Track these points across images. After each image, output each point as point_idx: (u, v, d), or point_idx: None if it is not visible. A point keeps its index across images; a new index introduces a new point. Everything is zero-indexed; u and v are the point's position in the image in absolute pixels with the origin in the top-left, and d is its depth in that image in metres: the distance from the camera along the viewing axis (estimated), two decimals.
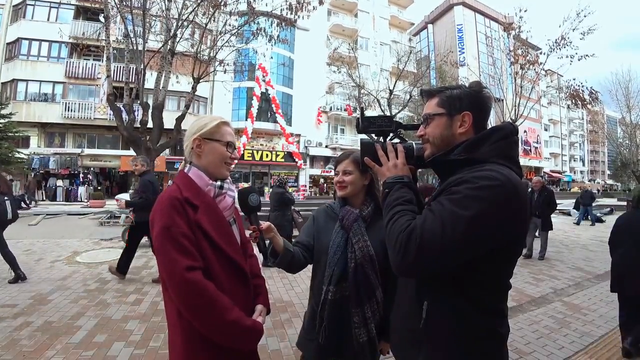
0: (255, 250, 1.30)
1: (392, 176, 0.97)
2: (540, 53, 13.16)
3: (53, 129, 18.30)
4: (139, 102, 8.63)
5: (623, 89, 24.01)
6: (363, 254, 1.26)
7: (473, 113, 0.92)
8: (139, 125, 8.54)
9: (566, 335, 3.06)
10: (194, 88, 9.09)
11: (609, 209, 15.99)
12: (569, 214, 14.44)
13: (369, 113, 1.16)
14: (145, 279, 4.43)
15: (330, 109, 25.14)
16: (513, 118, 12.70)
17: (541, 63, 12.92)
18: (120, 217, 9.61)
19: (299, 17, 8.83)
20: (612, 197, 28.12)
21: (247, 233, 1.25)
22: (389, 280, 1.29)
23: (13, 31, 18.16)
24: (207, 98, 21.10)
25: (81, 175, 17.98)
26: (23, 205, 13.07)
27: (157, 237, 0.97)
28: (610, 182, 49.56)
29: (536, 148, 36.76)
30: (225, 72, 9.73)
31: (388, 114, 13.78)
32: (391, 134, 1.10)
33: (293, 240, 1.61)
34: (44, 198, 17.07)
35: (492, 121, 1.07)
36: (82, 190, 17.61)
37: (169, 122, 10.24)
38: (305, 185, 23.93)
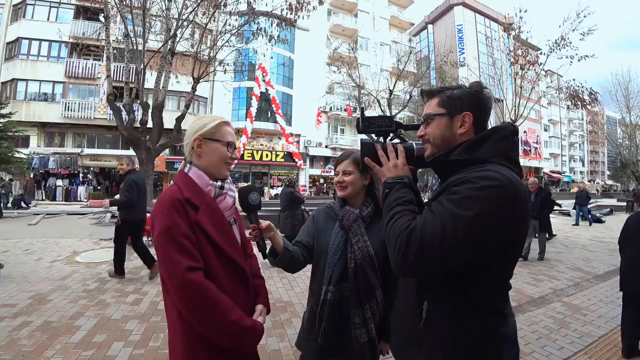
0: (255, 250, 1.30)
1: (392, 176, 0.97)
2: (540, 53, 13.18)
3: (53, 129, 18.30)
4: (138, 102, 8.63)
5: (623, 89, 24.01)
6: (363, 254, 1.26)
7: (473, 113, 0.92)
8: (139, 125, 8.54)
9: (566, 335, 3.06)
10: (193, 88, 9.10)
11: (608, 209, 16.01)
12: (568, 215, 14.45)
13: (369, 113, 1.16)
14: (145, 278, 4.43)
15: (330, 109, 25.15)
16: (513, 118, 12.73)
17: (541, 63, 12.94)
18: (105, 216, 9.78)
19: (298, 17, 8.84)
20: (612, 198, 28.12)
21: (247, 232, 1.25)
22: (389, 280, 1.29)
23: (13, 31, 18.16)
24: (207, 98, 21.11)
25: (81, 175, 17.98)
26: (23, 205, 13.14)
27: (158, 237, 0.97)
28: (610, 182, 49.57)
29: (536, 148, 36.80)
30: (225, 72, 9.74)
31: (388, 114, 13.78)
32: (391, 134, 1.10)
33: None
34: (44, 198, 17.06)
35: (492, 121, 1.07)
36: (81, 190, 17.62)
37: (168, 122, 10.25)
38: (305, 186, 23.95)
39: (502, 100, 15.06)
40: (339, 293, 1.28)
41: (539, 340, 2.94)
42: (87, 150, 18.31)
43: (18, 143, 15.96)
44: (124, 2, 8.62)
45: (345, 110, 24.88)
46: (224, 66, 9.62)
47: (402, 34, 30.07)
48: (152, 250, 5.83)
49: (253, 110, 21.61)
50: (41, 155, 17.20)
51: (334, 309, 1.27)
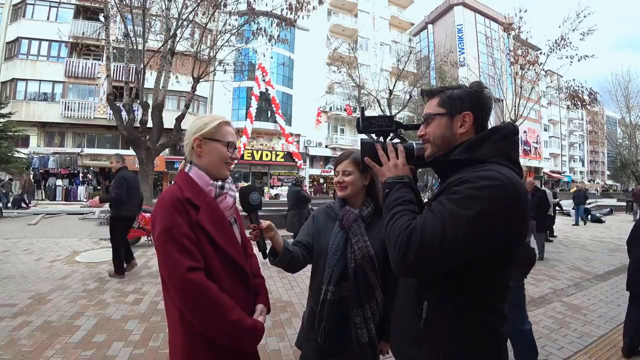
0: (255, 250, 1.30)
1: (392, 176, 0.97)
2: (540, 53, 13.18)
3: (52, 129, 18.29)
4: (138, 101, 8.63)
5: (623, 89, 24.07)
6: (363, 254, 1.26)
7: (474, 113, 0.92)
8: (139, 125, 8.54)
9: (565, 335, 3.06)
10: (193, 88, 9.10)
11: (608, 209, 16.02)
12: (568, 215, 14.45)
13: (369, 113, 1.16)
14: (145, 278, 4.43)
15: (330, 109, 25.15)
16: (513, 118, 12.72)
17: (541, 63, 12.94)
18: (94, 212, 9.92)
19: (298, 16, 8.84)
20: (612, 198, 28.12)
21: (247, 232, 1.25)
22: (389, 280, 1.29)
23: (13, 30, 18.15)
24: (206, 98, 21.11)
25: (81, 174, 17.97)
26: (23, 205, 13.14)
27: (158, 237, 0.97)
28: (610, 182, 49.59)
29: (536, 148, 36.80)
30: (225, 72, 9.74)
31: (388, 114, 13.78)
32: (391, 134, 1.10)
33: None
34: (44, 197, 17.06)
35: (492, 121, 1.07)
36: (81, 189, 17.62)
37: (168, 121, 10.24)
38: (306, 185, 23.95)
39: (502, 100, 15.05)
40: (338, 293, 1.28)
41: (538, 340, 2.94)
42: (87, 150, 18.31)
43: (18, 143, 15.95)
44: (124, 2, 8.62)
45: (345, 110, 24.88)
46: (223, 66, 9.62)
47: (402, 34, 30.06)
48: (152, 250, 5.85)
49: (253, 110, 21.61)
50: (41, 155, 17.20)
51: (334, 308, 1.27)
